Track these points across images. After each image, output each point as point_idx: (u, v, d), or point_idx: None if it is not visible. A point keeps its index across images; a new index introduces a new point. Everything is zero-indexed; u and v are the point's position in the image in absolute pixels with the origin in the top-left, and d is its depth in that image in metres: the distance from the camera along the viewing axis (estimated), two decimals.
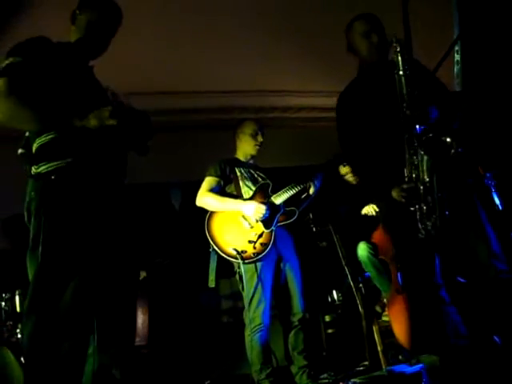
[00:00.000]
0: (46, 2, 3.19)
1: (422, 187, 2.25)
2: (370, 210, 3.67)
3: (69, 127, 1.93)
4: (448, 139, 2.14)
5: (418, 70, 2.44)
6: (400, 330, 3.06)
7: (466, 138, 2.39)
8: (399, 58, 2.27)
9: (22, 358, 2.88)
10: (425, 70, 2.58)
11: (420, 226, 2.27)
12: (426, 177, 2.24)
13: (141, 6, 3.16)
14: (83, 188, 1.97)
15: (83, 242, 1.92)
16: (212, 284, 3.24)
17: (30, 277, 1.91)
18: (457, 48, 2.11)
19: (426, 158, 2.22)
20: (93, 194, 1.99)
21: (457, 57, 2.14)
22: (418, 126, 2.19)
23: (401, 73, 2.27)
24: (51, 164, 1.94)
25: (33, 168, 1.97)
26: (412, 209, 2.29)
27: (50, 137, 1.96)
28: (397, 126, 2.29)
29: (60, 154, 1.95)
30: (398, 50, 2.28)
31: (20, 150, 2.07)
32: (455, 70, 2.16)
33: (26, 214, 1.99)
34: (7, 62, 1.91)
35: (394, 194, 2.37)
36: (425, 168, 2.24)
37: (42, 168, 1.94)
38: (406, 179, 2.30)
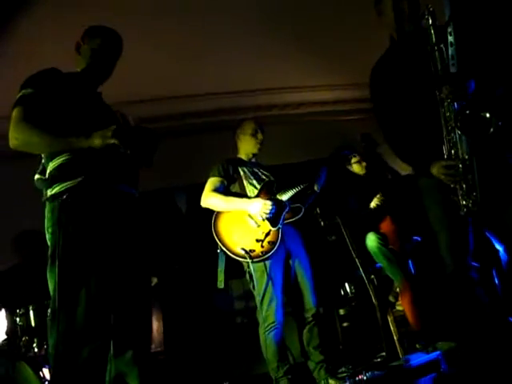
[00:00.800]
0: (46, 1, 3.20)
1: (461, 165, 2.22)
2: (378, 202, 3.66)
3: (78, 149, 2.07)
4: (487, 115, 2.09)
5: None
6: (415, 318, 3.05)
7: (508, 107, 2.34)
8: (432, 30, 2.21)
9: (40, 372, 2.91)
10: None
11: (461, 203, 2.24)
12: (465, 155, 2.21)
13: (136, 11, 3.17)
14: (95, 204, 2.09)
15: (97, 253, 2.03)
16: (221, 285, 3.23)
17: (51, 291, 2.02)
18: (449, 29, 2.09)
19: (464, 137, 2.19)
20: (105, 208, 2.11)
21: (450, 38, 2.10)
22: (455, 103, 2.16)
23: (434, 45, 2.22)
24: (63, 184, 2.06)
25: (48, 191, 2.10)
26: (452, 186, 2.27)
27: (61, 159, 2.10)
28: (433, 101, 2.25)
29: (71, 175, 2.08)
30: (431, 22, 2.21)
31: (37, 176, 2.23)
32: (450, 51, 2.12)
33: (46, 235, 2.11)
34: (21, 93, 2.11)
35: (434, 170, 2.31)
36: (464, 146, 2.21)
37: (56, 189, 2.07)
38: (446, 156, 2.26)
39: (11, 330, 3.19)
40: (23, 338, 3.17)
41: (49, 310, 2.03)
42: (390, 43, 2.57)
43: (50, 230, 2.07)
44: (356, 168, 3.91)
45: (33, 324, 3.17)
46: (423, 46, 2.26)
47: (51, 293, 2.01)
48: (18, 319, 3.17)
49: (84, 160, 2.09)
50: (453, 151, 2.23)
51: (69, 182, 2.06)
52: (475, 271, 2.43)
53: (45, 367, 2.96)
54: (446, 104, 2.20)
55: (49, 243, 2.08)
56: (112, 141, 2.03)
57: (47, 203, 2.11)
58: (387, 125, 2.53)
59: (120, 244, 2.14)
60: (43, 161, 2.21)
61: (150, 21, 3.54)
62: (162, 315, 3.71)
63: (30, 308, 3.18)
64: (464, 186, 2.22)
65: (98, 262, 2.02)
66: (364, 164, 3.86)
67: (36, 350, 3.12)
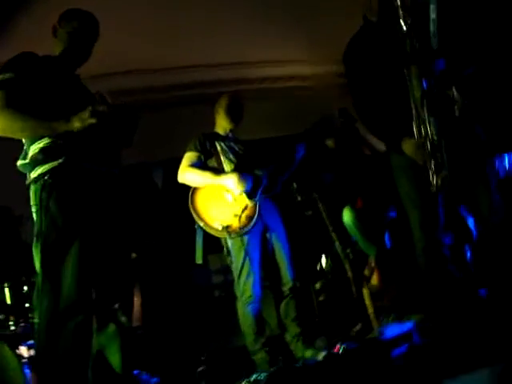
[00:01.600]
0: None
1: (429, 144, 2.25)
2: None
3: (58, 132, 2.13)
4: (454, 93, 2.11)
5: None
6: (389, 291, 3.11)
7: (479, 84, 2.36)
8: (400, 9, 2.18)
9: (17, 350, 2.89)
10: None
11: (431, 180, 2.27)
12: (433, 133, 2.23)
13: None
14: (75, 183, 2.16)
15: (78, 229, 2.11)
16: (199, 260, 3.23)
17: (37, 267, 2.10)
18: (432, 6, 2.08)
19: (431, 116, 2.21)
20: (85, 187, 2.19)
21: (432, 15, 2.10)
22: (424, 82, 2.17)
23: (402, 25, 2.20)
24: (45, 166, 2.13)
25: (31, 174, 2.17)
26: (421, 163, 2.30)
27: (43, 143, 2.16)
28: (404, 79, 2.26)
29: (53, 157, 2.14)
30: (399, 2, 2.17)
31: (19, 162, 2.25)
32: (431, 28, 2.13)
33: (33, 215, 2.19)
34: (0, 78, 2.13)
35: (405, 147, 2.36)
36: (432, 125, 2.23)
37: (38, 171, 2.14)
38: (416, 134, 2.28)
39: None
40: None
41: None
42: (363, 21, 2.57)
43: (33, 210, 2.15)
44: (330, 144, 3.95)
45: (8, 301, 3.14)
46: (395, 24, 2.25)
47: (37, 269, 2.08)
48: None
49: (65, 142, 2.15)
50: (422, 129, 2.26)
51: (50, 164, 2.12)
52: (447, 248, 2.48)
53: (22, 345, 2.94)
54: (414, 83, 2.22)
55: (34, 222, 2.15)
56: (91, 120, 2.07)
57: (31, 185, 2.17)
58: (360, 100, 2.56)
59: (100, 220, 2.21)
60: (25, 146, 2.24)
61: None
62: (140, 290, 3.71)
63: (5, 285, 3.15)
64: (433, 163, 2.26)
65: (79, 237, 2.09)
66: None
67: (12, 328, 3.09)
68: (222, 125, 3.51)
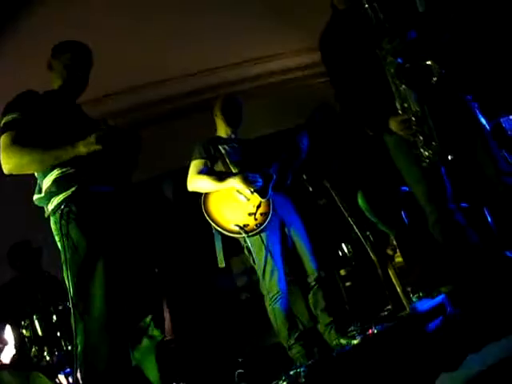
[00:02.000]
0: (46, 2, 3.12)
1: (413, 118, 2.23)
2: None
3: (65, 159, 2.18)
4: (429, 62, 2.10)
5: None
6: (414, 268, 3.08)
7: (454, 52, 2.34)
8: None
9: (56, 380, 2.92)
10: None
11: (422, 154, 2.27)
12: (416, 107, 2.22)
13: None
14: (91, 208, 2.21)
15: (101, 252, 2.15)
16: (222, 264, 3.23)
17: (69, 294, 2.14)
18: None
19: (410, 90, 2.19)
20: (100, 210, 2.24)
21: None
22: (397, 58, 2.16)
23: (366, 5, 2.21)
24: (60, 196, 2.19)
25: (48, 206, 2.23)
26: (412, 139, 2.29)
27: (55, 175, 2.21)
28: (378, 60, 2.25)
29: (66, 186, 2.20)
30: None
31: (35, 196, 2.31)
32: None
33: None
34: (4, 120, 2.21)
35: (392, 127, 2.35)
36: (413, 99, 2.21)
37: (54, 203, 2.19)
38: (399, 111, 2.28)
39: (19, 343, 3.19)
40: (32, 349, 3.16)
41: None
42: (332, 10, 2.58)
43: (57, 239, 2.22)
44: None
45: (40, 333, 3.16)
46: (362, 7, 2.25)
47: (69, 295, 2.13)
48: (24, 331, 3.17)
49: (75, 171, 2.22)
50: (405, 105, 2.25)
51: (64, 193, 2.18)
52: (461, 213, 2.45)
53: (60, 374, 2.97)
54: (388, 60, 2.20)
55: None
56: (96, 147, 2.14)
57: (51, 217, 2.24)
58: (340, 88, 2.58)
59: (120, 239, 2.27)
60: (38, 181, 2.31)
61: (110, 11, 3.46)
62: (167, 304, 3.71)
63: (35, 318, 3.17)
64: (421, 137, 2.24)
65: (102, 258, 2.14)
66: None
67: (48, 358, 3.11)
68: (223, 127, 3.51)
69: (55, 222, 2.20)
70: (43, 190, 2.25)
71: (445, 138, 2.24)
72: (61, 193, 2.19)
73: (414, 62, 2.13)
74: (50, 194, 2.21)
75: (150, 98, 4.42)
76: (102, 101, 3.88)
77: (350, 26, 2.43)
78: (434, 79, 2.12)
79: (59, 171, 2.21)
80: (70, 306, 2.09)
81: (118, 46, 3.67)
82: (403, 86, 2.19)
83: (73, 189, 2.19)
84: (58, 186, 2.20)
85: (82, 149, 2.16)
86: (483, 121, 2.42)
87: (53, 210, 2.20)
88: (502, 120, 3.22)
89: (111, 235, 2.23)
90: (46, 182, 2.24)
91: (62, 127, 2.29)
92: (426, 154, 2.26)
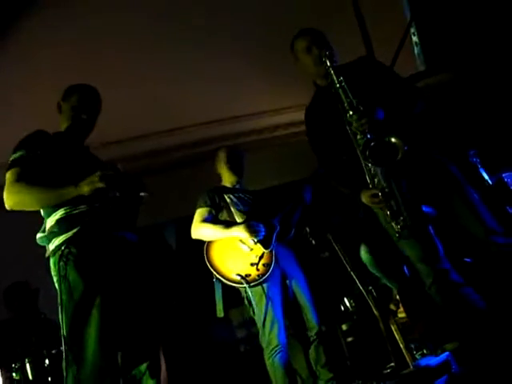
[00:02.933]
0: (48, 5, 3.18)
1: (380, 194, 2.28)
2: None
3: (68, 198, 2.17)
4: (393, 139, 2.15)
5: (364, 71, 2.49)
6: (418, 324, 3.02)
7: (429, 123, 2.41)
8: (331, 71, 2.31)
9: None
10: (377, 66, 2.60)
11: (393, 228, 2.31)
12: (383, 183, 2.28)
13: (103, 48, 3.20)
14: (92, 251, 2.18)
15: (99, 297, 2.11)
16: (220, 314, 3.18)
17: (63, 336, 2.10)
18: (412, 30, 2.16)
19: (376, 168, 2.25)
20: (103, 253, 2.21)
21: (414, 38, 2.18)
22: (367, 135, 2.23)
23: (337, 86, 2.31)
24: (62, 237, 2.17)
25: (49, 246, 2.21)
26: (383, 211, 2.34)
27: (59, 214, 2.20)
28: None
29: (68, 227, 2.18)
30: (328, 64, 2.32)
31: (38, 235, 2.29)
32: (415, 51, 2.20)
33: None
34: (12, 157, 2.23)
35: (363, 199, 2.42)
36: (379, 175, 2.27)
37: (56, 243, 2.18)
38: (370, 185, 2.34)
39: None
40: None
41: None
42: (314, 87, 2.70)
43: (55, 281, 2.17)
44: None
45: (30, 377, 3.07)
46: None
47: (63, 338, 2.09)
48: (14, 374, 3.08)
49: (79, 212, 2.21)
50: (375, 180, 2.31)
51: (66, 234, 2.17)
52: (456, 273, 2.43)
53: None
54: (358, 138, 2.28)
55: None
56: (99, 185, 2.13)
57: (50, 258, 2.20)
58: (322, 160, 2.71)
59: (120, 284, 2.22)
60: (44, 220, 2.29)
61: (119, 57, 3.58)
62: (163, 353, 3.61)
63: (26, 361, 3.09)
64: (388, 212, 2.28)
65: (99, 303, 2.10)
66: None
67: None
68: (227, 178, 3.55)
69: (54, 263, 2.17)
70: (46, 230, 2.24)
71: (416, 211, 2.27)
72: (62, 233, 2.18)
73: (378, 141, 2.19)
74: (52, 234, 2.20)
75: (156, 147, 4.49)
76: (106, 147, 3.94)
77: (329, 101, 2.49)
78: (399, 155, 2.18)
79: (63, 211, 2.20)
80: (63, 349, 2.04)
81: (126, 93, 3.77)
82: (368, 162, 2.25)
83: (75, 230, 2.17)
84: (61, 226, 2.19)
85: (85, 188, 2.15)
86: (485, 175, 2.45)
87: (53, 250, 2.18)
88: (504, 175, 3.25)
89: (110, 280, 2.19)
90: (50, 222, 2.23)
91: (69, 167, 2.30)
92: (396, 227, 2.29)
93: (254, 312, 3.11)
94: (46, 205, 2.22)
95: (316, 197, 3.59)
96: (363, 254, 3.53)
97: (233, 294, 3.25)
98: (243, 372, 3.65)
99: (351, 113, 2.26)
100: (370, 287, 3.35)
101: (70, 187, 2.16)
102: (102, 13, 3.19)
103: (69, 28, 3.19)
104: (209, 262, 3.21)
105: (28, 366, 3.09)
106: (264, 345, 3.09)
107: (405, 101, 2.41)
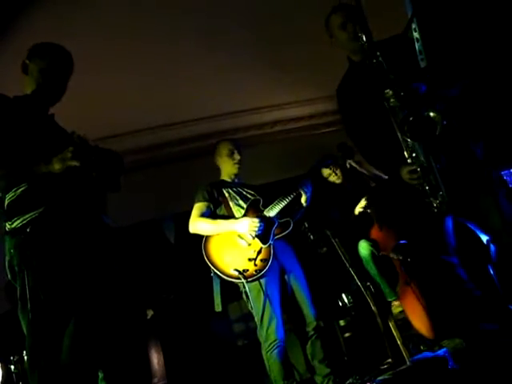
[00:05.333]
0: (45, 4, 3.17)
1: (419, 169, 2.26)
2: (362, 206, 3.68)
3: (36, 176, 1.93)
4: (431, 114, 2.14)
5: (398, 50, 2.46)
6: (418, 321, 3.03)
7: (468, 101, 2.40)
8: (368, 47, 2.29)
9: None
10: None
11: (432, 203, 2.30)
12: (422, 158, 2.27)
13: (100, 46, 3.19)
14: (61, 235, 1.95)
15: (69, 288, 1.89)
16: (218, 308, 3.17)
17: (26, 335, 1.89)
18: (414, 26, 2.15)
19: (415, 142, 2.24)
20: (71, 237, 1.97)
21: (415, 34, 2.17)
22: (404, 110, 2.21)
23: (374, 61, 2.29)
24: (25, 217, 1.92)
25: (7, 224, 1.95)
26: (420, 188, 2.32)
27: (19, 190, 1.96)
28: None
29: (32, 206, 1.93)
30: (364, 40, 2.30)
31: None
32: (417, 47, 2.19)
33: (8, 272, 1.98)
34: None
35: (403, 175, 2.39)
36: (419, 150, 2.26)
37: (17, 223, 1.92)
38: (408, 161, 2.32)
39: (6, 379, 3.09)
40: None
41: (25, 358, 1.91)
42: (348, 62, 2.68)
43: (16, 269, 1.92)
44: (332, 178, 3.97)
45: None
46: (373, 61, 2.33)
47: (26, 338, 1.87)
48: (12, 367, 3.08)
49: (43, 189, 1.97)
50: (413, 155, 2.29)
51: (30, 214, 1.93)
52: (461, 268, 2.44)
53: None
54: (396, 113, 2.27)
55: (15, 283, 1.95)
56: (73, 163, 1.91)
57: (7, 237, 1.96)
58: (355, 135, 2.66)
59: (94, 275, 1.99)
60: (0, 193, 2.03)
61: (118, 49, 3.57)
62: (161, 347, 3.62)
63: (25, 353, 3.09)
64: (427, 187, 2.27)
65: (72, 296, 1.89)
66: (339, 173, 3.91)
67: None
68: (227, 171, 3.55)
69: (15, 247, 1.91)
70: (5, 205, 1.97)
71: (451, 187, 2.27)
72: (25, 213, 1.92)
73: (418, 115, 2.18)
74: (12, 211, 1.94)
75: (154, 141, 4.48)
76: (112, 139, 3.93)
77: (364, 77, 2.50)
78: (438, 130, 2.16)
79: (26, 186, 1.96)
80: (28, 350, 1.84)
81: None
82: (407, 137, 2.24)
83: (40, 210, 1.92)
84: (23, 203, 1.94)
85: (56, 165, 1.91)
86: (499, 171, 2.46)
87: (13, 230, 1.92)
88: (503, 173, 3.25)
89: (86, 271, 1.95)
90: (9, 196, 1.97)
91: (32, 136, 2.03)
92: (434, 203, 2.28)
93: (252, 307, 3.11)
94: (15, 182, 1.96)
95: (315, 191, 3.59)
96: (362, 249, 3.53)
97: (231, 289, 3.26)
98: (241, 367, 3.66)
99: (388, 89, 2.24)
100: (368, 283, 3.36)
101: (40, 164, 1.92)
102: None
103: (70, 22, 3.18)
104: (207, 256, 3.20)
105: (26, 358, 3.09)
106: (262, 340, 3.09)
107: (440, 79, 2.39)
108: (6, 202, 1.97)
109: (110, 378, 1.98)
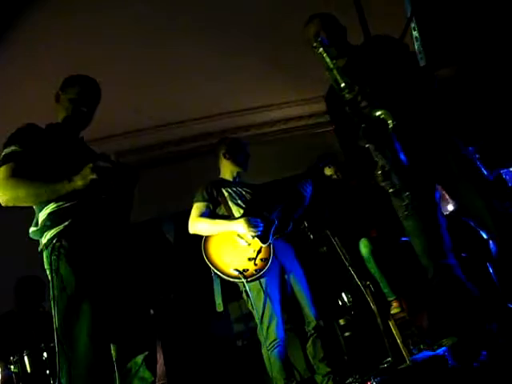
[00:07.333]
0: (45, 6, 3.15)
1: (380, 172, 2.27)
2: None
3: (65, 195, 2.15)
4: (377, 113, 2.11)
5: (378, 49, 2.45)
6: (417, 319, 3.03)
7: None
8: (324, 55, 2.25)
9: None
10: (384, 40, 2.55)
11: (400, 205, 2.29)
12: (381, 161, 2.25)
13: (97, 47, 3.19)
14: (83, 244, 2.16)
15: (91, 291, 2.10)
16: (220, 308, 3.17)
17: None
18: (413, 25, 2.15)
19: (372, 146, 2.23)
20: (93, 247, 2.18)
21: (415, 33, 2.17)
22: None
23: (331, 67, 2.25)
24: (53, 231, 2.15)
25: (42, 240, 2.20)
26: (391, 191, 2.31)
27: (50, 208, 2.19)
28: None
29: (59, 221, 2.16)
30: (320, 50, 2.26)
31: (31, 229, 2.27)
32: (416, 46, 2.19)
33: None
34: (4, 152, 2.20)
35: (376, 179, 2.35)
36: (375, 153, 2.25)
37: (47, 237, 2.16)
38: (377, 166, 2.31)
39: (6, 379, 3.09)
40: None
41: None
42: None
43: (47, 275, 2.15)
44: (335, 177, 3.97)
45: (28, 370, 3.08)
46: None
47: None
48: (12, 367, 3.09)
49: (71, 205, 2.18)
50: (376, 159, 2.28)
51: (57, 228, 2.15)
52: (459, 268, 2.43)
53: None
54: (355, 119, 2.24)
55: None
56: (92, 176, 2.10)
57: (43, 251, 2.18)
58: (342, 135, 2.70)
59: (112, 280, 2.19)
60: (36, 214, 2.26)
61: (124, 50, 3.57)
62: (161, 347, 3.62)
63: (25, 354, 3.10)
64: (391, 189, 2.26)
65: (91, 297, 2.08)
66: (338, 173, 3.92)
67: None
68: (229, 170, 3.54)
69: (47, 257, 2.16)
70: (39, 223, 2.22)
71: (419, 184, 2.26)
72: (54, 227, 2.16)
73: (366, 120, 2.16)
74: (45, 228, 2.18)
75: (156, 141, 4.49)
76: (110, 139, 3.94)
77: None
78: (390, 128, 2.13)
79: (55, 205, 2.18)
80: (56, 344, 2.02)
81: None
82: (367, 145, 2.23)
83: (66, 223, 2.15)
84: (53, 219, 2.17)
85: (78, 182, 2.12)
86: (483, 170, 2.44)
87: (45, 244, 2.16)
88: (502, 172, 3.25)
89: (102, 274, 2.17)
90: (42, 215, 2.21)
91: (63, 161, 2.27)
92: (401, 204, 2.28)
93: (252, 306, 3.12)
94: (41, 200, 2.19)
95: (316, 190, 3.59)
96: (363, 248, 3.53)
97: (230, 288, 3.25)
98: (241, 366, 3.66)
99: (346, 94, 2.22)
100: (368, 282, 3.36)
101: (63, 182, 2.13)
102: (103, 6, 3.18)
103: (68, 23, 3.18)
104: (206, 256, 3.20)
105: (26, 358, 3.10)
106: (262, 339, 3.09)
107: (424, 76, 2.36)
108: (40, 221, 2.22)
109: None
